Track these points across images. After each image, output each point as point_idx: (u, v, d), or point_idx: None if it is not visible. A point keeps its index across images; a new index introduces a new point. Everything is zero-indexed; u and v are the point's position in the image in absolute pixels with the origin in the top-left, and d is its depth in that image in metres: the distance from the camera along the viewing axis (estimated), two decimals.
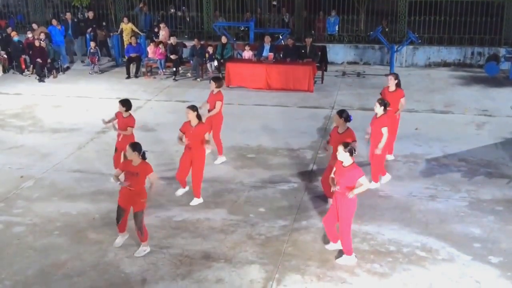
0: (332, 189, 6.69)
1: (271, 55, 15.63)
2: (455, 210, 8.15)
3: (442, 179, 9.21)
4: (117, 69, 17.93)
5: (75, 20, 19.37)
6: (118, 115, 8.69)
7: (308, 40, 15.96)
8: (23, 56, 17.20)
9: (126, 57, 17.08)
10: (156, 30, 18.78)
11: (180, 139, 8.25)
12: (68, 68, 17.99)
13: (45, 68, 16.49)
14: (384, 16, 19.20)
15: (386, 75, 10.56)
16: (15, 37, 17.32)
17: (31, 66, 16.91)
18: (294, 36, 17.60)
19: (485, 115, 12.80)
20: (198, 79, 16.31)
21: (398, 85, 9.70)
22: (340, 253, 6.89)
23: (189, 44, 17.20)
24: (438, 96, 14.47)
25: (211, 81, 9.81)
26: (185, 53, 17.35)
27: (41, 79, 16.25)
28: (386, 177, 9.04)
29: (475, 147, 10.63)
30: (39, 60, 16.25)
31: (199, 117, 8.19)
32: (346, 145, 6.53)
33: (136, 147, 6.79)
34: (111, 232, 7.29)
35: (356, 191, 6.44)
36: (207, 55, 16.54)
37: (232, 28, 20.28)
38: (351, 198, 6.49)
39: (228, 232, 7.53)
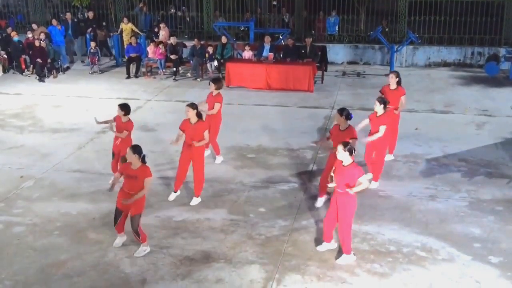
0: (331, 185, 6.72)
1: (271, 55, 15.63)
2: (455, 210, 8.15)
3: (442, 179, 9.21)
4: (117, 69, 17.93)
5: (75, 20, 19.37)
6: (116, 118, 8.67)
7: (308, 40, 15.96)
8: (23, 56, 17.20)
9: (126, 57, 17.09)
10: (156, 30, 18.78)
11: (177, 139, 8.25)
12: (68, 68, 17.99)
13: (45, 68, 16.49)
14: (384, 16, 19.19)
15: (386, 74, 10.56)
16: (15, 37, 17.32)
17: (31, 66, 16.91)
18: (294, 36, 17.60)
19: (485, 115, 12.80)
20: (198, 79, 16.31)
21: (399, 83, 9.71)
22: (339, 253, 6.89)
23: (189, 44, 17.20)
24: (438, 96, 14.47)
25: (211, 82, 9.75)
26: (185, 53, 17.35)
27: (41, 79, 16.25)
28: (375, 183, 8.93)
29: (475, 147, 10.63)
30: (39, 60, 16.25)
31: (198, 115, 8.19)
32: (345, 144, 6.54)
33: (136, 149, 6.77)
34: (111, 232, 7.29)
35: (355, 189, 6.45)
36: (207, 55, 16.55)
37: (232, 28, 20.28)
38: (351, 198, 6.50)
39: (228, 232, 7.53)
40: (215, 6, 20.05)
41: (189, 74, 16.79)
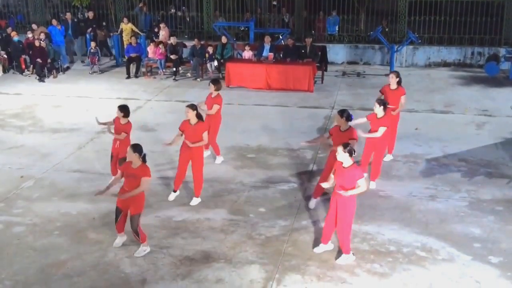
0: (324, 185, 6.74)
1: (271, 55, 15.63)
2: (455, 210, 8.15)
3: (442, 179, 9.21)
4: (117, 69, 17.93)
5: (75, 20, 19.37)
6: (115, 120, 8.66)
7: (308, 40, 15.96)
8: (23, 56, 17.20)
9: (126, 57, 17.09)
10: (156, 30, 18.77)
11: (173, 141, 8.25)
12: (68, 68, 17.99)
13: (45, 68, 16.49)
14: (384, 16, 19.19)
15: (387, 74, 10.56)
16: (15, 37, 17.32)
17: (31, 66, 16.90)
18: (294, 36, 17.60)
19: (485, 115, 12.81)
20: (198, 79, 16.31)
21: (399, 83, 9.70)
22: (339, 253, 6.89)
23: (189, 44, 17.20)
24: (438, 96, 14.47)
25: (210, 83, 9.72)
26: (185, 53, 17.34)
27: (41, 79, 16.25)
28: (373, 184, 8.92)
29: (475, 147, 10.63)
30: (39, 60, 16.24)
31: (198, 116, 8.19)
32: (345, 145, 6.53)
33: (136, 148, 6.78)
34: (111, 232, 7.29)
35: (351, 192, 6.43)
36: (207, 55, 16.54)
37: (232, 28, 20.28)
38: (350, 199, 6.49)
39: (228, 232, 7.53)
40: (215, 6, 20.05)
41: (189, 74, 16.79)
